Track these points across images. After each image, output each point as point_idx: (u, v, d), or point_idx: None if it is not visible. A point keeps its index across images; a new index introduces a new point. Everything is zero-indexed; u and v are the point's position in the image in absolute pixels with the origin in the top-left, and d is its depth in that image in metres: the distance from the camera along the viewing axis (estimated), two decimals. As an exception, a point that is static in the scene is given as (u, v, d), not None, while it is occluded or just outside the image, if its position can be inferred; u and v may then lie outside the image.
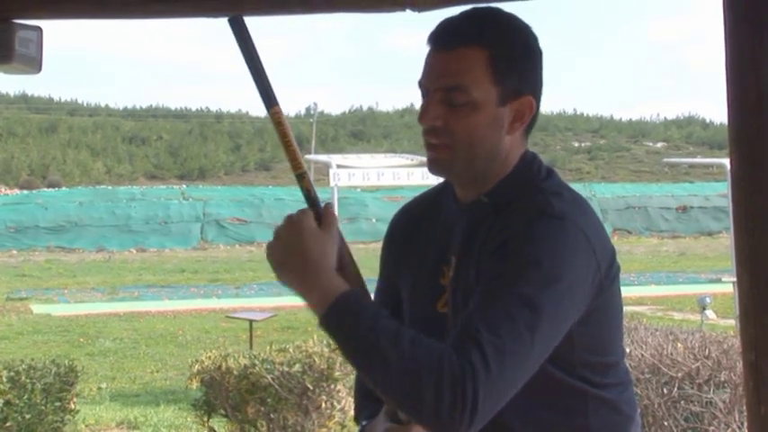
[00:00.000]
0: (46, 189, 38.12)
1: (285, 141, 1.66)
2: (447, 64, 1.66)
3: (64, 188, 38.00)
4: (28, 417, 5.85)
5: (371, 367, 1.52)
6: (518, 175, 1.73)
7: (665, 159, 40.00)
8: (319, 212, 1.65)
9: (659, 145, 64.30)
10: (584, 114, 70.28)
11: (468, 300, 1.60)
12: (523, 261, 1.56)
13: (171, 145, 58.24)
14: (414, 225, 1.85)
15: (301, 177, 1.68)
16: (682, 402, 5.32)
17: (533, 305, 1.53)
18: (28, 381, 5.93)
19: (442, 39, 1.67)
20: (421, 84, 1.70)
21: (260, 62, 1.62)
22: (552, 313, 1.55)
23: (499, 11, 1.74)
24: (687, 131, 68.43)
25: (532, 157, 1.76)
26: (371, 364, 1.51)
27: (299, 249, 1.59)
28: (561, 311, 1.58)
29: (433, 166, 1.72)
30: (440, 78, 1.66)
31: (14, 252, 28.17)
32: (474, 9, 1.73)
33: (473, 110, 1.65)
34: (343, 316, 1.54)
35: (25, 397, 5.87)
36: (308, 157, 27.74)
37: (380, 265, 1.91)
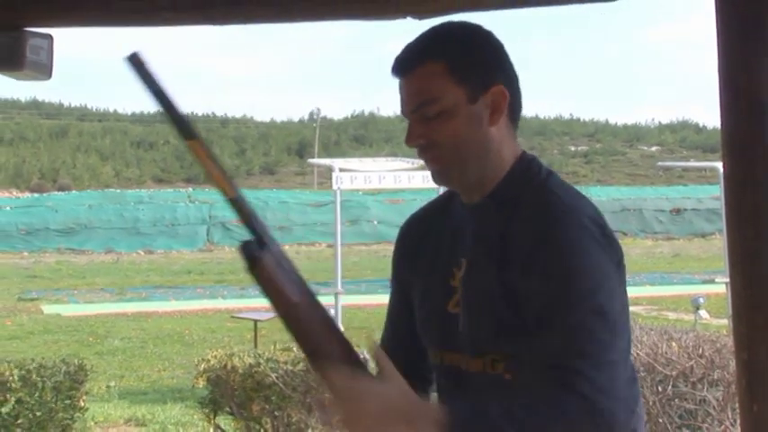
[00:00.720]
0: (56, 192, 38.15)
1: (207, 173, 1.58)
2: (411, 86, 1.71)
3: (74, 191, 38.02)
4: (39, 414, 5.85)
5: None
6: (519, 174, 1.73)
7: (660, 163, 39.95)
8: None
9: (654, 149, 64.32)
10: (581, 119, 70.39)
11: (483, 300, 1.66)
12: (570, 274, 1.59)
13: (178, 149, 58.21)
14: (423, 233, 1.86)
15: (236, 203, 1.56)
16: (676, 400, 5.32)
17: (594, 308, 1.57)
18: (39, 379, 5.94)
19: (401, 65, 1.72)
20: (402, 113, 1.74)
21: (168, 96, 1.55)
22: (612, 307, 1.60)
23: (449, 23, 1.79)
24: (681, 136, 68.49)
25: (531, 158, 1.77)
26: None
27: (391, 416, 1.50)
28: (618, 302, 1.64)
29: (435, 178, 1.75)
30: (410, 100, 1.70)
31: (26, 254, 28.20)
32: (425, 31, 1.76)
33: (448, 117, 1.68)
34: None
35: (36, 395, 5.88)
36: (310, 161, 27.90)
37: (393, 277, 1.92)
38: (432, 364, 1.82)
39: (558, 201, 1.67)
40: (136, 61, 1.52)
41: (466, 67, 1.69)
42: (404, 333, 1.87)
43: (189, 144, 1.55)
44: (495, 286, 1.67)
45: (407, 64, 1.71)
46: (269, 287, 1.57)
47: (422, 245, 1.85)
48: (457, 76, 1.68)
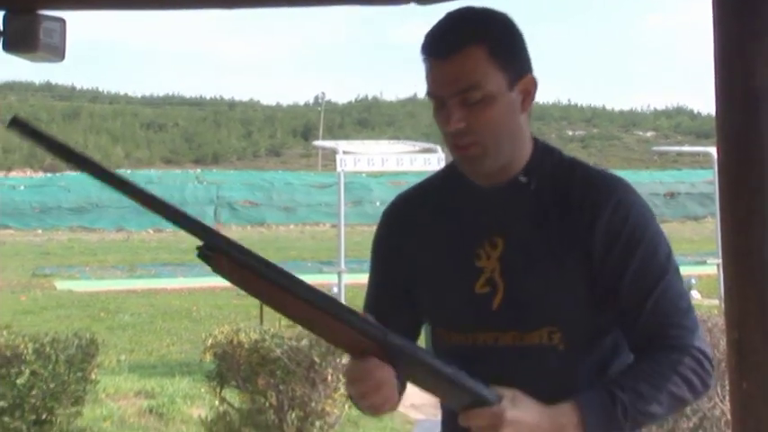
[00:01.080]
0: (68, 172, 38.07)
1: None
2: (453, 69, 1.65)
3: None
4: (52, 386, 5.87)
5: (648, 423, 1.66)
6: (543, 153, 1.76)
7: (655, 148, 39.97)
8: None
9: (649, 134, 64.20)
10: (578, 104, 70.21)
11: (533, 275, 1.69)
12: (651, 241, 1.70)
13: (186, 131, 58.27)
14: (419, 215, 1.81)
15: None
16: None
17: (674, 267, 1.72)
18: (52, 352, 5.95)
19: (441, 47, 1.66)
20: (432, 94, 1.69)
21: (65, 145, 1.54)
22: (675, 260, 1.75)
23: (475, 7, 1.74)
24: (676, 121, 68.36)
25: (545, 142, 1.79)
26: (647, 422, 1.65)
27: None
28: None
29: (466, 163, 1.72)
30: (453, 84, 1.65)
31: (39, 231, 28.24)
32: (457, 12, 1.71)
33: (490, 103, 1.65)
34: (602, 428, 1.60)
35: (49, 367, 5.89)
36: (315, 143, 27.82)
37: (379, 258, 1.86)
38: (450, 345, 1.77)
39: (605, 173, 1.76)
40: (19, 124, 1.50)
41: (506, 53, 1.67)
42: (386, 316, 1.77)
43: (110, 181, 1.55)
44: (548, 259, 1.69)
45: (449, 46, 1.65)
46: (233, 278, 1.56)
47: (420, 227, 1.80)
48: (498, 62, 1.65)
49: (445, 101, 1.66)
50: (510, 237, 1.72)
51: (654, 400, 1.61)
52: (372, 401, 1.61)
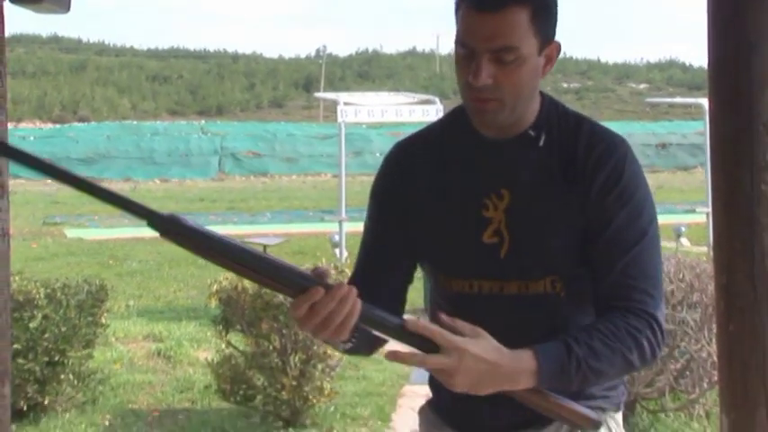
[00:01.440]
0: (77, 123, 37.98)
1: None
2: (495, 25, 1.62)
3: (93, 123, 37.85)
4: (64, 329, 5.90)
5: (591, 381, 1.65)
6: (550, 107, 1.76)
7: (648, 99, 39.74)
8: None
9: (642, 86, 63.82)
10: (573, 57, 69.75)
11: (538, 227, 1.70)
12: (638, 204, 1.70)
13: (191, 84, 57.91)
14: (424, 164, 1.79)
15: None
16: (657, 321, 5.36)
17: (653, 234, 1.70)
18: (63, 297, 5.98)
19: (487, 1, 1.62)
20: (462, 42, 1.66)
21: (42, 162, 1.57)
22: (657, 228, 1.74)
23: None
24: (668, 74, 67.91)
25: (549, 96, 1.79)
26: (590, 380, 1.64)
27: (488, 371, 1.55)
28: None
29: (480, 115, 1.70)
30: (490, 40, 1.63)
31: (49, 181, 28.01)
32: None
33: (520, 65, 1.65)
34: (555, 378, 1.59)
35: (61, 312, 5.92)
36: (316, 95, 27.73)
37: (378, 203, 1.83)
38: (454, 293, 1.77)
39: (609, 132, 1.75)
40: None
41: (544, 19, 1.66)
42: (386, 259, 1.82)
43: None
44: (553, 212, 1.70)
45: (495, 2, 1.62)
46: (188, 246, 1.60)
47: (423, 177, 1.78)
48: (536, 27, 1.64)
49: (477, 53, 1.63)
50: (516, 189, 1.72)
51: (606, 360, 1.61)
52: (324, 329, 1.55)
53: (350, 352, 1.64)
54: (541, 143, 1.72)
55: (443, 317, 1.59)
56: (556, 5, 1.70)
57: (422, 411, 1.91)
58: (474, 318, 1.66)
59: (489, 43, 1.62)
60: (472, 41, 1.64)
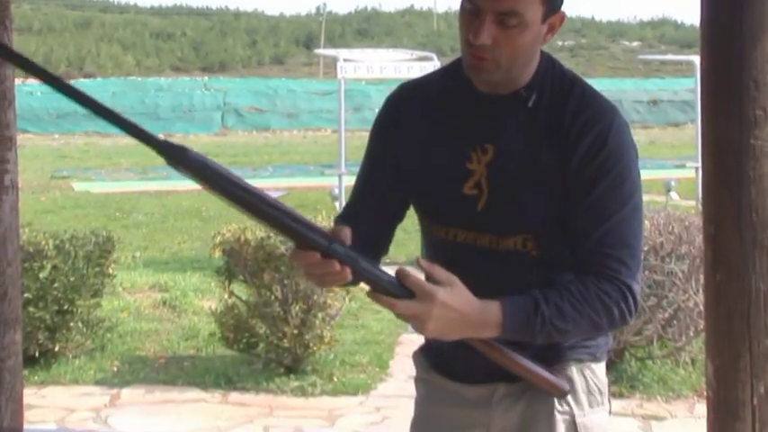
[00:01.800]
0: (82, 79, 37.74)
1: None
2: None
3: (98, 79, 37.61)
4: (72, 279, 5.92)
5: (555, 338, 1.66)
6: (547, 68, 1.74)
7: (640, 57, 39.52)
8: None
9: (635, 44, 63.35)
10: (568, 15, 69.10)
11: (517, 184, 1.68)
12: (621, 173, 1.67)
13: (194, 40, 57.47)
14: (422, 107, 1.79)
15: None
16: (647, 272, 5.38)
17: (634, 205, 1.68)
18: (71, 248, 5.99)
19: None
20: (470, 2, 1.64)
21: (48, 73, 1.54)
22: (642, 202, 1.71)
23: None
24: (660, 32, 67.39)
25: (549, 55, 1.77)
26: (555, 337, 1.65)
27: (456, 319, 1.57)
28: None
29: (475, 72, 1.69)
30: (497, 2, 1.61)
31: (56, 136, 28.11)
32: None
33: (522, 30, 1.63)
34: (519, 331, 1.60)
35: (69, 262, 5.94)
36: (317, 51, 27.51)
37: (377, 142, 1.84)
38: (436, 239, 1.80)
39: (601, 99, 1.72)
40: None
41: None
42: (379, 191, 1.83)
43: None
44: (534, 171, 1.68)
45: None
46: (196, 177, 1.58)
47: (419, 119, 1.79)
48: None
49: (482, 12, 1.62)
50: (500, 145, 1.71)
51: (572, 322, 1.62)
52: (318, 283, 1.63)
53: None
54: (530, 104, 1.71)
55: (422, 261, 1.62)
56: None
57: (415, 355, 1.95)
58: (449, 265, 1.68)
59: (496, 5, 1.61)
60: (480, 1, 1.62)
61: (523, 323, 1.59)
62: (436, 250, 1.80)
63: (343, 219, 1.84)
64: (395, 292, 1.57)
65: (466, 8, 1.65)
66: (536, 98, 1.71)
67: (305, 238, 1.55)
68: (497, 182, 1.70)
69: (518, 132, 1.70)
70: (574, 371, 1.78)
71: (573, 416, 1.77)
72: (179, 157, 1.56)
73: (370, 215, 1.82)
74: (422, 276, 1.61)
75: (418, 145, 1.78)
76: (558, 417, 1.76)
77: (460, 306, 1.56)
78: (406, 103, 1.82)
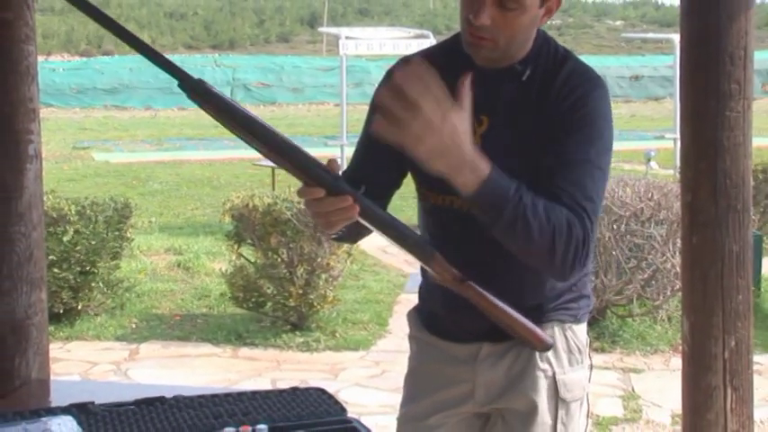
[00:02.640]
0: (102, 56, 37.55)
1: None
2: None
3: (116, 56, 37.38)
4: (93, 243, 5.93)
5: (516, 235, 1.53)
6: (542, 45, 1.71)
7: (623, 35, 39.23)
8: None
9: (618, 23, 62.98)
10: (556, -4, 68.70)
11: (506, 153, 1.60)
12: (593, 133, 1.62)
13: (205, 20, 57.11)
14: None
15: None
16: (627, 236, 5.40)
17: (599, 165, 1.62)
18: (92, 214, 5.99)
19: None
20: None
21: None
22: (609, 165, 1.66)
23: None
24: (642, 11, 67.02)
25: (544, 32, 1.74)
26: (516, 232, 1.53)
27: (450, 147, 1.44)
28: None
29: (474, 49, 1.65)
30: None
31: (77, 109, 28.02)
32: None
33: (521, 13, 1.60)
34: (494, 198, 1.49)
35: (90, 227, 5.94)
36: (320, 29, 27.37)
37: (372, 111, 1.77)
38: (432, 206, 1.78)
39: (590, 71, 1.69)
40: None
41: None
42: (377, 159, 1.78)
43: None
44: (524, 141, 1.65)
45: None
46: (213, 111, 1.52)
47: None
48: None
49: None
50: (494, 117, 1.69)
51: (538, 224, 1.51)
52: (325, 223, 1.57)
53: (336, 239, 1.67)
54: (524, 78, 1.68)
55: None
56: None
57: (409, 314, 1.95)
58: (444, 229, 1.66)
59: None
60: None
61: (503, 192, 1.50)
62: (432, 215, 1.80)
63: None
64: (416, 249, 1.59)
65: None
66: (530, 73, 1.69)
67: (312, 172, 1.50)
68: (491, 151, 1.64)
69: (511, 105, 1.69)
70: (556, 331, 1.78)
71: (554, 373, 1.77)
72: (198, 89, 1.51)
73: (367, 183, 1.80)
74: None
75: None
76: (540, 374, 1.77)
77: (462, 138, 1.44)
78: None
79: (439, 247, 1.68)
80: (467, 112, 1.45)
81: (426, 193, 1.79)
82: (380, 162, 1.78)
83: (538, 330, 1.68)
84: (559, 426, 1.78)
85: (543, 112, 1.66)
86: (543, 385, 1.76)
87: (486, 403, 1.82)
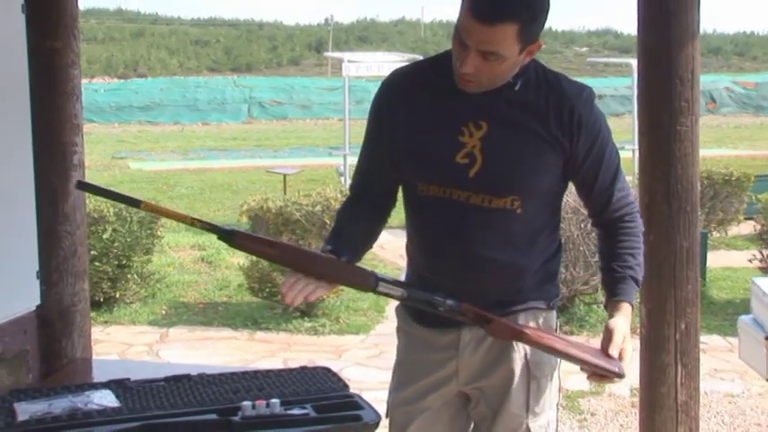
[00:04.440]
0: (137, 78, 37.47)
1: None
2: (487, 36, 1.55)
3: (149, 78, 37.35)
4: (128, 240, 5.92)
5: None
6: (531, 66, 1.69)
7: (588, 59, 39.25)
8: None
9: (584, 49, 62.88)
10: (530, 26, 68.56)
11: (508, 155, 1.66)
12: (608, 139, 1.73)
13: (226, 46, 57.02)
14: (413, 90, 1.73)
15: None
16: (593, 234, 5.39)
17: (619, 165, 1.78)
18: (128, 215, 5.98)
19: (485, 15, 1.53)
20: (460, 37, 1.59)
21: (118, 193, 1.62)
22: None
23: None
24: (604, 39, 66.94)
25: (534, 59, 1.71)
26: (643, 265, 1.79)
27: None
28: None
29: (462, 85, 1.65)
30: (480, 44, 1.56)
31: (116, 124, 27.94)
32: None
33: (501, 62, 1.59)
34: (633, 298, 1.75)
35: (126, 226, 5.93)
36: (326, 54, 27.27)
37: (373, 126, 1.78)
38: (425, 195, 1.72)
39: (580, 84, 1.71)
40: (83, 185, 1.68)
41: (531, 32, 1.58)
42: (379, 171, 1.79)
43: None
44: (525, 143, 1.65)
45: (491, 16, 1.54)
46: (249, 249, 1.71)
47: (412, 101, 1.72)
48: (521, 37, 1.56)
49: (468, 47, 1.58)
50: (494, 121, 1.66)
51: (642, 263, 1.75)
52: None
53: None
54: (517, 87, 1.66)
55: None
56: (545, 15, 1.61)
57: (397, 309, 1.90)
58: (443, 217, 1.65)
59: (479, 46, 1.57)
60: (467, 38, 1.57)
61: (634, 294, 1.74)
62: (430, 206, 1.72)
63: (355, 187, 1.84)
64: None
65: (457, 38, 1.60)
66: (522, 83, 1.67)
67: (346, 278, 1.62)
68: (492, 152, 1.65)
69: (510, 108, 1.66)
70: (530, 316, 1.76)
71: (526, 354, 1.76)
72: (229, 238, 1.69)
73: (372, 182, 1.79)
74: None
75: (411, 121, 1.71)
76: (515, 356, 1.75)
77: (626, 326, 1.70)
78: (399, 88, 1.76)
79: (433, 239, 1.70)
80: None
81: (426, 185, 1.72)
82: (384, 164, 1.77)
83: (605, 365, 1.68)
84: (531, 400, 1.77)
85: (542, 117, 1.66)
86: (518, 365, 1.76)
87: (468, 383, 1.80)
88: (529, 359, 1.76)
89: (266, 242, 1.62)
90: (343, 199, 1.92)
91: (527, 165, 1.65)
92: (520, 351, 1.75)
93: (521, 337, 1.65)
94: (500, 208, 1.67)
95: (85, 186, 1.67)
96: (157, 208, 1.62)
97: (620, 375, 1.65)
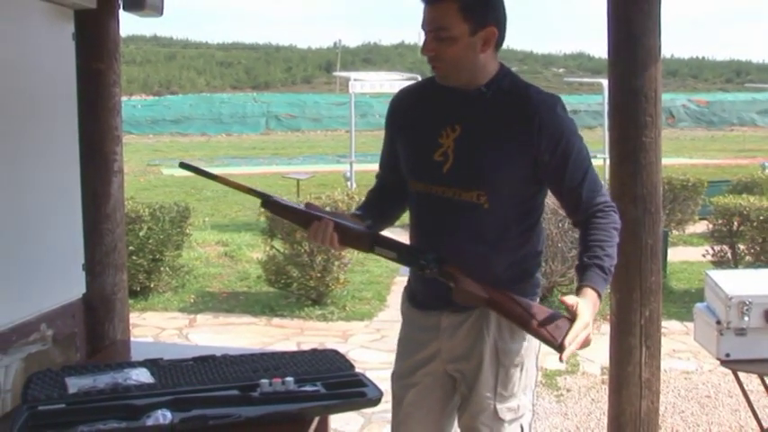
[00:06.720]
0: (169, 96, 37.50)
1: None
2: (432, 14, 1.62)
3: (180, 95, 37.38)
4: (161, 237, 5.93)
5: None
6: (505, 75, 1.70)
7: (565, 79, 39.25)
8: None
9: (561, 70, 62.85)
10: (512, 48, 68.67)
11: (476, 154, 1.66)
12: (575, 141, 1.67)
13: (246, 67, 57.09)
14: (411, 105, 1.80)
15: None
16: (570, 232, 5.39)
17: (591, 165, 1.72)
18: (161, 215, 5.99)
19: None
20: (422, 26, 1.65)
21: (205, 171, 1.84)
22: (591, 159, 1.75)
23: None
24: (579, 62, 66.90)
25: (508, 69, 1.74)
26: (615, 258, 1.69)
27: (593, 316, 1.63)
28: None
29: (438, 77, 1.70)
30: (429, 23, 1.62)
31: (151, 136, 27.96)
32: None
33: (453, 42, 1.61)
34: (604, 288, 1.65)
35: (159, 225, 5.94)
36: (335, 73, 27.28)
37: (385, 132, 1.86)
38: (416, 191, 1.77)
39: (547, 93, 1.70)
40: (186, 165, 1.86)
41: (472, 10, 1.60)
42: (391, 167, 1.85)
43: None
44: (491, 144, 1.65)
45: None
46: (282, 213, 1.85)
47: (409, 112, 1.79)
48: (464, 15, 1.59)
49: (425, 32, 1.63)
50: (466, 125, 1.68)
51: (614, 254, 1.66)
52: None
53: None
54: (489, 95, 1.67)
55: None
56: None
57: (402, 293, 1.92)
58: (427, 211, 1.70)
59: (429, 25, 1.62)
60: (423, 24, 1.64)
61: (605, 284, 1.64)
62: (419, 201, 1.78)
63: (378, 176, 1.92)
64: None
65: (423, 32, 1.66)
66: (493, 92, 1.68)
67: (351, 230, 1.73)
68: (462, 151, 1.67)
69: (482, 114, 1.67)
70: None
71: (495, 341, 1.74)
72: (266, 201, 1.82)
73: (390, 176, 1.86)
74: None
75: (408, 127, 1.78)
76: (486, 345, 1.74)
77: (592, 311, 1.60)
78: (401, 102, 1.84)
79: (420, 230, 1.74)
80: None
81: (416, 183, 1.76)
82: (394, 161, 1.84)
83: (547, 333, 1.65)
84: (499, 385, 1.74)
85: (511, 122, 1.65)
86: (488, 352, 1.73)
87: (450, 362, 1.79)
88: (498, 347, 1.74)
89: (291, 210, 1.81)
90: (349, 201, 1.98)
91: (491, 163, 1.65)
92: (490, 340, 1.74)
93: (480, 302, 1.65)
94: (468, 201, 1.68)
95: (187, 166, 1.89)
96: (227, 181, 1.90)
97: (559, 348, 1.58)
